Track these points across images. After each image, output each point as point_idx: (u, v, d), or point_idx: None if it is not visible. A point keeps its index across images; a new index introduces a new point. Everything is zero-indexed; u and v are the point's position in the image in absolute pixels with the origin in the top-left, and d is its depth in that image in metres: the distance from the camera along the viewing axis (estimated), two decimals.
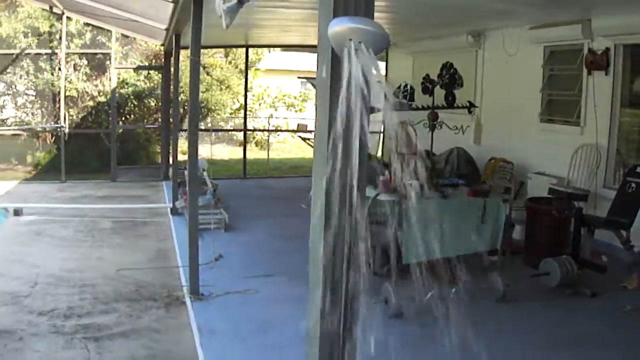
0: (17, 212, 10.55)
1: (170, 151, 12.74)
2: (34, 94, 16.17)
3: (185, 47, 15.52)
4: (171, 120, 12.73)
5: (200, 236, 7.99)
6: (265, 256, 8.12)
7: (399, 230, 6.19)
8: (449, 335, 5.06)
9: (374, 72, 1.64)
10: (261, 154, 20.97)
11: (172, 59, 12.09)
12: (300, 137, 15.43)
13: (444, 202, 6.57)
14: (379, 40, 1.68)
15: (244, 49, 16.27)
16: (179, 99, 12.13)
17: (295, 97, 22.89)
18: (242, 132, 16.86)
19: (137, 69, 16.71)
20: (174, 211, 10.52)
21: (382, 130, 8.96)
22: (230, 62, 20.57)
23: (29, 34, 15.05)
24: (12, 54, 15.06)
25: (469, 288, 6.20)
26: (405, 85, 7.94)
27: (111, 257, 8.22)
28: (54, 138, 15.60)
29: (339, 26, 1.68)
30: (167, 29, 11.29)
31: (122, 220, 10.40)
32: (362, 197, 1.74)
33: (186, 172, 9.65)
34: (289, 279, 6.88)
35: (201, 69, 15.10)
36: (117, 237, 9.37)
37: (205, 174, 10.27)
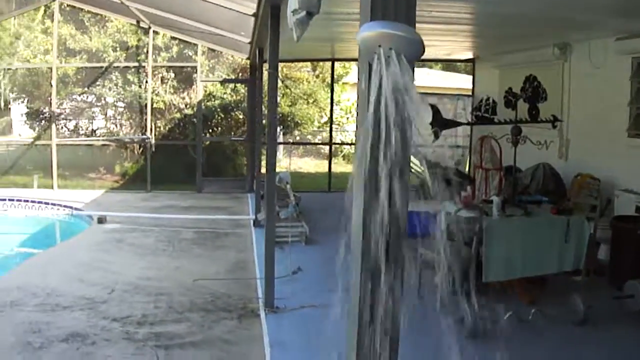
0: (101, 220, 10.80)
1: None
2: (123, 105, 16.60)
3: (284, 60, 15.72)
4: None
5: (281, 248, 7.97)
6: (344, 270, 7.95)
7: (480, 248, 5.99)
8: (524, 358, 4.83)
9: (404, 80, 1.49)
10: (348, 168, 20.90)
11: (257, 72, 12.16)
12: None
13: (526, 219, 6.31)
14: (412, 47, 1.52)
15: (330, 63, 16.20)
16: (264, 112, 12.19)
17: None
18: (328, 146, 16.75)
19: (223, 82, 16.91)
20: (256, 223, 10.52)
21: (467, 144, 8.69)
22: (317, 76, 20.58)
23: (118, 48, 15.49)
24: (102, 67, 15.54)
25: (549, 309, 5.97)
26: (487, 99, 7.70)
27: (189, 267, 8.26)
28: (141, 149, 15.94)
29: (368, 31, 1.54)
30: (250, 43, 11.37)
31: (204, 231, 10.48)
32: (401, 213, 1.58)
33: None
34: None
35: (280, 82, 15.17)
36: (197, 247, 9.42)
37: (288, 186, 10.26)
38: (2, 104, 16.01)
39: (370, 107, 1.52)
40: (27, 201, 12.52)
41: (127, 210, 11.84)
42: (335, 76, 20.02)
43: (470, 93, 13.18)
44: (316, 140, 22.42)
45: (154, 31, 14.71)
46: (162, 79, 15.85)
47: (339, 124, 22.27)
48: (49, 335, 5.59)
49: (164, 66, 15.69)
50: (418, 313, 5.92)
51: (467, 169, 12.38)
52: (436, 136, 9.47)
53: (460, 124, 8.66)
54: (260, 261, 7.94)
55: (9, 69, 15.81)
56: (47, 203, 12.39)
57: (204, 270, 8.04)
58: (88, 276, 7.60)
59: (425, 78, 22.47)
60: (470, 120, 9.99)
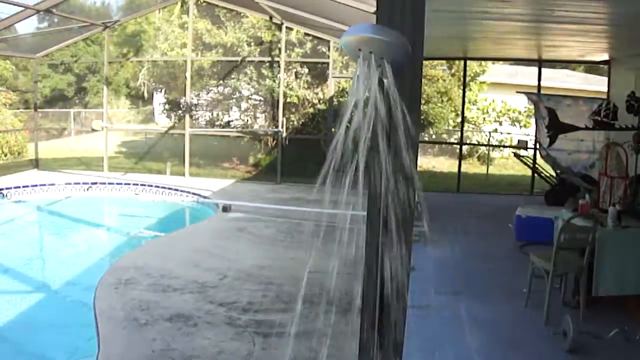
0: (226, 209, 11.15)
1: None
2: (258, 99, 17.05)
3: None
4: None
5: None
6: (458, 273, 7.80)
7: (592, 259, 5.70)
8: None
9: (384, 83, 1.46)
10: (482, 169, 20.49)
11: None
12: (514, 153, 14.77)
13: None
14: (394, 51, 1.48)
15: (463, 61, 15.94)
16: None
17: (520, 112, 22.02)
18: (458, 145, 16.46)
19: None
20: None
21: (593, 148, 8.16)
22: (453, 75, 20.25)
23: (252, 43, 15.94)
24: (236, 61, 16.03)
25: None
26: (608, 103, 7.28)
27: (305, 259, 8.34)
28: (274, 142, 16.29)
29: (350, 36, 1.51)
30: None
31: (326, 224, 10.52)
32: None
33: None
34: (475, 300, 6.55)
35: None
36: (317, 240, 9.47)
37: None
38: (145, 94, 16.90)
39: (348, 110, 1.52)
40: (158, 187, 13.15)
41: (254, 201, 12.11)
42: (471, 74, 19.65)
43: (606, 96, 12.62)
44: (452, 140, 22.04)
45: (287, 27, 14.99)
46: (296, 74, 16.14)
47: (475, 124, 21.84)
48: (154, 314, 5.87)
49: (297, 62, 15.99)
50: (522, 321, 5.75)
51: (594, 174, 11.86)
52: (552, 140, 9.11)
53: (577, 128, 8.26)
54: None
55: (154, 60, 16.67)
56: (176, 190, 12.95)
57: (318, 263, 8.07)
58: (203, 261, 7.88)
59: (566, 80, 21.66)
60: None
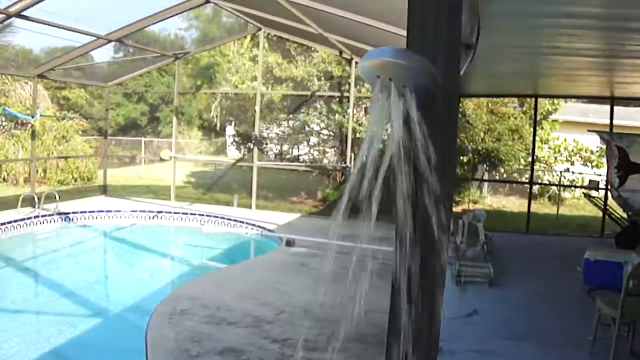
0: (289, 243, 11.13)
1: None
2: (329, 134, 17.09)
3: (471, 95, 15.50)
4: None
5: (463, 289, 7.78)
6: (522, 317, 7.56)
7: None
8: None
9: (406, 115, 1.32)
10: (553, 209, 20.04)
11: None
12: (584, 194, 14.40)
13: None
14: (417, 77, 1.32)
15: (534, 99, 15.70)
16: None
17: (592, 152, 21.47)
18: (528, 185, 16.14)
19: None
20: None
21: None
22: (524, 112, 19.88)
23: (322, 77, 15.99)
24: (306, 95, 16.11)
25: None
26: None
27: (366, 298, 8.21)
28: (343, 177, 16.27)
29: (367, 60, 1.37)
30: None
31: (391, 263, 10.39)
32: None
33: (459, 222, 9.47)
34: (539, 345, 6.32)
35: (460, 117, 14.87)
36: (379, 279, 9.31)
37: (479, 225, 9.98)
38: (218, 126, 17.16)
39: (365, 142, 1.40)
40: (223, 218, 13.26)
41: (319, 236, 12.04)
42: (543, 112, 19.26)
43: None
44: (523, 179, 21.60)
45: (356, 62, 14.99)
46: (366, 109, 16.11)
47: (546, 163, 21.38)
48: (206, 347, 5.86)
49: (367, 97, 15.93)
50: None
51: None
52: (622, 180, 8.78)
53: None
54: None
55: (226, 93, 16.94)
56: (241, 222, 13.02)
57: (380, 302, 7.94)
58: (261, 295, 7.85)
59: None
60: None
